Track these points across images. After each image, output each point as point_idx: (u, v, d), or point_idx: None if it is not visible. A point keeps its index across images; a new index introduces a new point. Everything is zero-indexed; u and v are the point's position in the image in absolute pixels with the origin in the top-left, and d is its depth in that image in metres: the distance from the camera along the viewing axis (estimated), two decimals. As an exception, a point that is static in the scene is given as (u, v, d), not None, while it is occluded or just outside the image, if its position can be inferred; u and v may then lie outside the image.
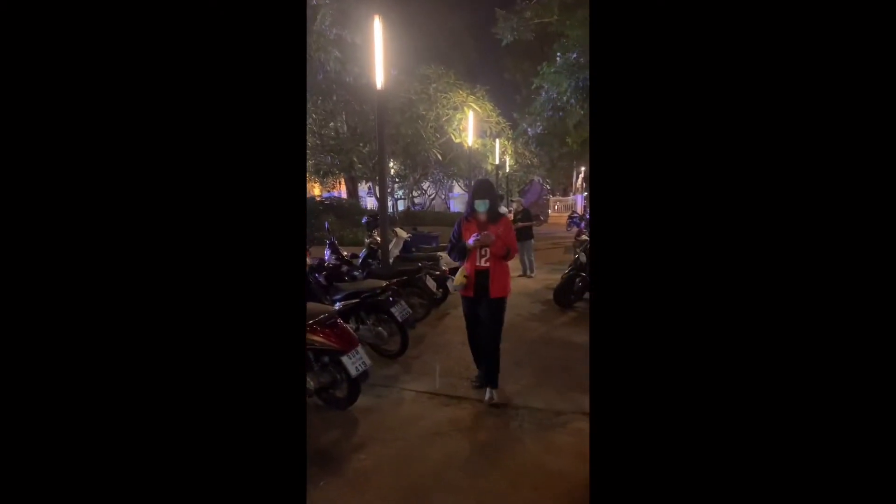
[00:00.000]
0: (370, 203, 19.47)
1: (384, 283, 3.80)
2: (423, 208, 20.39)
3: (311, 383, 2.71)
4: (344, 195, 17.26)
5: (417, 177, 16.21)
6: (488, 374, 3.07)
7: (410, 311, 3.91)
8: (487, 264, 2.98)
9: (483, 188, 3.09)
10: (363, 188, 18.63)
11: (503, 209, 11.05)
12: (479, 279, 2.98)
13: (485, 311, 3.03)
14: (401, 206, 19.02)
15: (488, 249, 2.96)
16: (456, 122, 13.87)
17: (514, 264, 5.82)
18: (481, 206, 3.02)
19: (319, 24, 9.68)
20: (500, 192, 13.79)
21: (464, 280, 3.00)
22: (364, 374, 2.77)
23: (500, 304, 3.03)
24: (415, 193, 18.86)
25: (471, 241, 2.93)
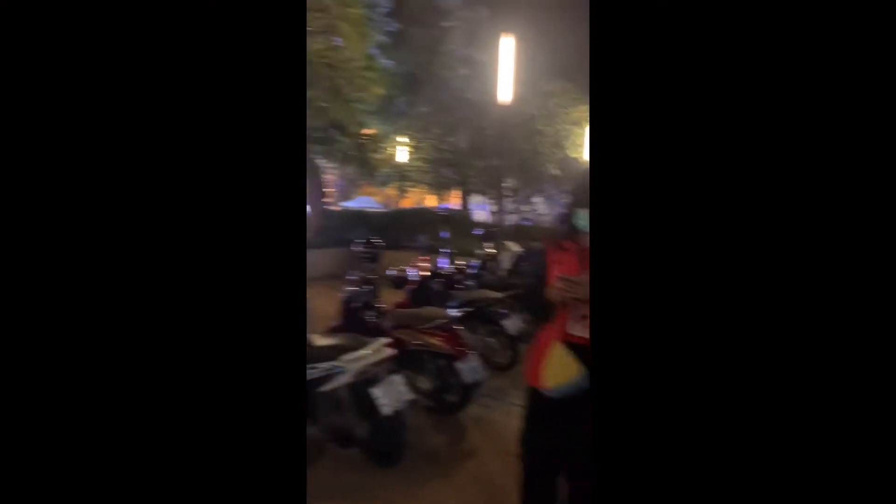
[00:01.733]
0: (482, 216, 19.84)
1: (499, 295, 3.83)
2: (532, 223, 20.15)
3: (424, 384, 2.84)
4: (457, 207, 17.87)
5: (529, 192, 16.12)
6: None
7: (524, 326, 3.84)
8: (586, 335, 1.35)
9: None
10: (476, 201, 19.08)
11: None
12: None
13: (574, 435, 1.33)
14: (512, 220, 19.06)
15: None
16: (575, 138, 13.52)
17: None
18: (584, 219, 1.44)
19: (449, 44, 10.18)
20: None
21: (573, 375, 1.37)
22: (477, 383, 2.82)
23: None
24: (525, 209, 18.76)
25: (558, 283, 1.38)
